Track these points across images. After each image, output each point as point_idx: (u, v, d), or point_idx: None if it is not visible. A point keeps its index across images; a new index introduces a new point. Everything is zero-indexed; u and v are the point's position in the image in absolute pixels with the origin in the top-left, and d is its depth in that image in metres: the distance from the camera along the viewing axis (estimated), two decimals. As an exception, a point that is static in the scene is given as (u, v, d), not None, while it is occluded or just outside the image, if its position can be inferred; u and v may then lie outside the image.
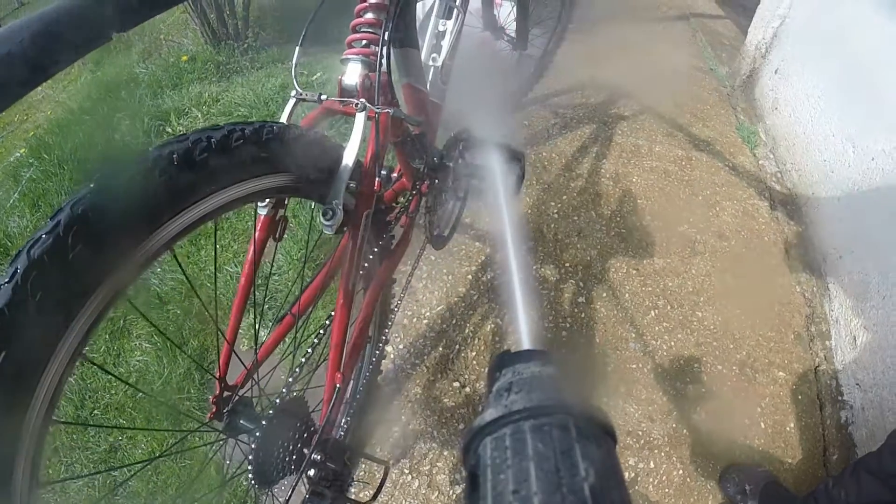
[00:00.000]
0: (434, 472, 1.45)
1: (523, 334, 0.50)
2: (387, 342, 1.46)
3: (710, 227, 1.98)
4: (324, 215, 0.83)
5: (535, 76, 2.43)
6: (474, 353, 1.66)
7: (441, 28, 1.39)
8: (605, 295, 1.79)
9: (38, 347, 0.51)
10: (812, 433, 1.50)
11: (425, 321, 1.73)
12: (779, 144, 2.22)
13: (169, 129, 2.12)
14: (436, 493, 1.42)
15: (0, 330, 0.47)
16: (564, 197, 2.12)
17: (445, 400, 1.57)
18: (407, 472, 1.45)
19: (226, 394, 0.97)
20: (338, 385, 0.92)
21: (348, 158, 0.85)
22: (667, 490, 1.40)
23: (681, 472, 1.42)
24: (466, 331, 1.72)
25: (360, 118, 0.88)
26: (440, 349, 1.67)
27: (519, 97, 2.39)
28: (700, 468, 1.43)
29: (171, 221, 0.61)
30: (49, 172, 1.94)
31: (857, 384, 1.48)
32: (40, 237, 0.50)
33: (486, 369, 1.59)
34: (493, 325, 1.71)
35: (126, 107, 2.18)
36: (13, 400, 0.50)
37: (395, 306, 1.39)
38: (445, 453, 1.47)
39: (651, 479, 1.42)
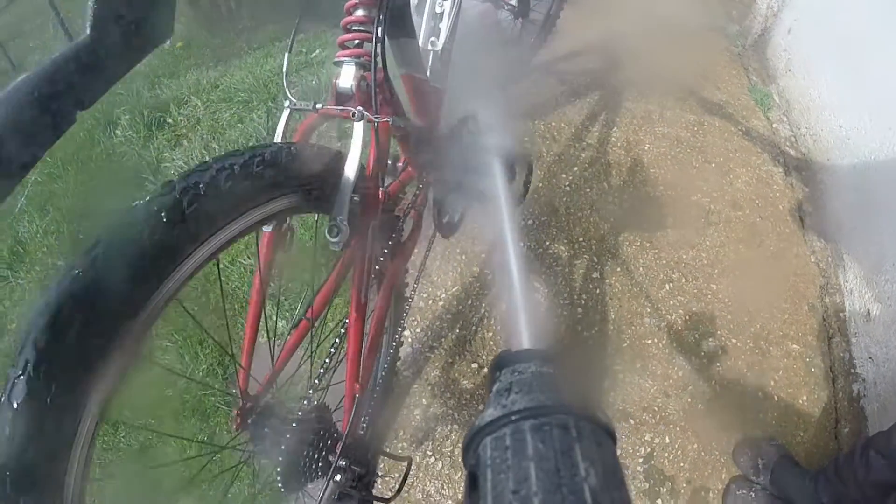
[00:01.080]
0: (456, 453, 1.49)
1: (523, 333, 0.50)
2: (403, 330, 1.47)
3: (724, 195, 1.96)
4: (329, 233, 0.82)
5: (538, 43, 2.35)
6: (491, 334, 1.68)
7: (438, 9, 1.33)
8: (619, 269, 1.79)
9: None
10: (825, 406, 1.52)
11: (441, 303, 1.74)
12: (793, 108, 2.15)
13: (170, 120, 2.10)
14: (459, 474, 1.46)
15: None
16: (576, 168, 2.08)
17: (464, 382, 1.60)
18: (430, 453, 1.49)
19: (248, 404, 1.00)
20: (357, 395, 0.93)
21: (349, 171, 0.83)
22: (682, 464, 1.44)
23: (696, 446, 1.46)
24: (482, 311, 1.73)
25: (358, 128, 0.86)
26: (457, 331, 1.69)
27: (523, 66, 2.32)
28: (715, 442, 1.46)
29: (171, 277, 0.60)
30: (53, 175, 1.94)
31: (871, 358, 1.49)
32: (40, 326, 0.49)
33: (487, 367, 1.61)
34: (504, 302, 1.73)
35: (124, 100, 2.15)
36: None
37: (411, 294, 1.40)
38: (463, 436, 1.50)
39: (666, 454, 1.46)
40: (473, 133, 1.46)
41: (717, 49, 2.56)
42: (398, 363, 1.55)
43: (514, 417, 0.35)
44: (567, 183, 2.03)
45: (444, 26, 1.32)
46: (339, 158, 0.85)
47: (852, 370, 1.55)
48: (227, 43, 2.43)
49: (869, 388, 1.49)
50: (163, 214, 0.56)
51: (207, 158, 0.65)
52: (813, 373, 1.58)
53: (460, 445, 1.50)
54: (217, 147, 1.97)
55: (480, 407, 1.56)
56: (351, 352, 0.92)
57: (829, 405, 1.53)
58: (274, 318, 1.54)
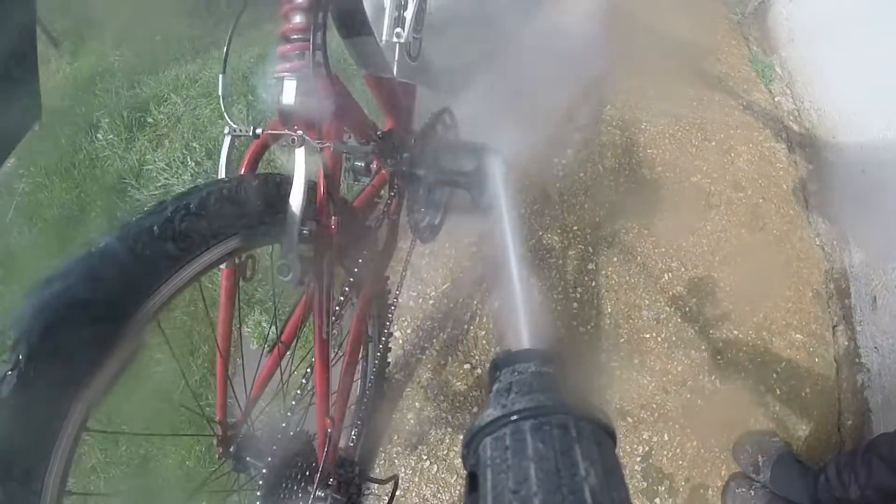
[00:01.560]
0: (451, 456, 1.48)
1: (523, 333, 0.49)
2: (390, 337, 1.44)
3: (725, 175, 1.87)
4: (280, 272, 0.78)
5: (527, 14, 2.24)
6: (483, 332, 1.65)
7: None
8: (615, 259, 1.74)
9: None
10: (828, 397, 1.48)
11: (431, 301, 1.71)
12: (795, 80, 2.04)
13: (150, 120, 2.05)
14: (454, 477, 1.45)
15: None
16: (569, 151, 2.01)
17: (457, 383, 1.58)
18: (425, 457, 1.48)
19: (229, 433, 0.99)
20: (329, 430, 0.91)
21: (294, 203, 0.78)
22: (681, 462, 1.42)
23: (695, 443, 1.43)
24: (474, 308, 1.69)
25: (299, 155, 0.80)
26: (448, 330, 1.66)
27: (510, 40, 2.22)
28: (714, 439, 1.43)
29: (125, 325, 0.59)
30: (40, 184, 1.91)
31: (876, 348, 1.43)
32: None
33: (487, 367, 1.58)
34: (500, 302, 1.69)
35: (104, 102, 2.10)
36: None
37: (393, 301, 1.36)
38: (461, 437, 1.49)
39: (665, 452, 1.43)
40: (451, 127, 1.39)
41: (715, 17, 2.42)
42: (389, 367, 1.53)
43: (513, 417, 0.35)
44: (560, 167, 1.95)
45: (409, 14, 1.23)
46: (287, 185, 0.80)
47: (857, 360, 1.50)
48: (204, 33, 2.34)
49: (873, 378, 1.44)
50: (74, 306, 0.54)
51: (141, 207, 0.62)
52: (816, 363, 1.53)
53: (456, 449, 1.49)
54: (198, 147, 1.92)
55: (475, 409, 1.54)
56: (318, 389, 0.89)
57: (833, 396, 1.49)
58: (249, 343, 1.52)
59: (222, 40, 2.36)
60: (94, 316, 0.58)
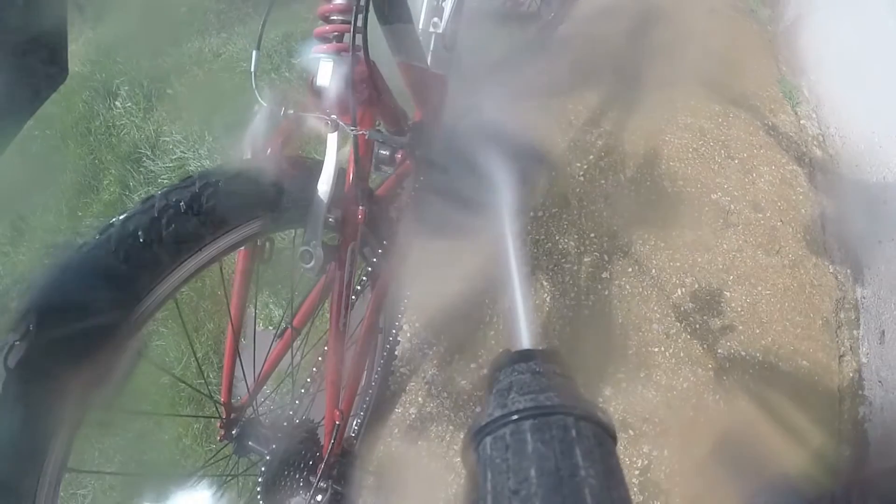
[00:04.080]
0: (451, 454, 1.48)
1: (523, 333, 0.49)
2: (400, 329, 1.43)
3: (746, 195, 1.86)
4: (302, 259, 0.77)
5: (559, 18, 2.23)
6: (492, 332, 1.64)
7: None
8: (630, 270, 1.72)
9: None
10: (828, 427, 1.47)
11: (442, 297, 1.70)
12: (823, 104, 2.02)
13: (170, 91, 2.03)
14: (452, 476, 1.45)
15: None
16: (591, 157, 1.99)
17: (462, 381, 1.57)
18: (424, 454, 1.48)
19: (232, 416, 0.98)
20: (337, 422, 0.90)
21: (322, 190, 0.77)
22: (678, 479, 1.41)
23: (694, 461, 1.42)
24: (484, 306, 1.69)
25: (331, 140, 0.79)
26: (457, 327, 1.65)
27: (540, 42, 2.20)
28: (714, 459, 1.42)
29: (141, 304, 0.58)
30: (55, 147, 1.89)
31: (880, 381, 1.43)
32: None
33: (487, 367, 1.57)
34: (505, 302, 1.68)
35: (124, 70, 2.07)
36: None
37: (406, 294, 1.35)
38: (462, 436, 1.48)
39: (664, 467, 1.43)
40: (480, 127, 1.37)
41: (746, 33, 2.40)
42: (395, 361, 1.52)
43: (514, 417, 0.34)
44: (581, 172, 1.94)
45: (448, 5, 1.22)
46: (315, 170, 0.79)
47: (860, 392, 1.50)
48: (231, 8, 2.32)
49: (875, 412, 1.44)
50: (101, 272, 0.53)
51: (152, 192, 0.61)
52: (820, 392, 1.52)
53: (456, 447, 1.49)
54: (217, 121, 1.90)
55: (478, 408, 1.53)
56: (329, 379, 0.88)
57: (833, 426, 1.48)
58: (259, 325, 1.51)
59: (248, 15, 2.33)
60: (112, 288, 0.57)
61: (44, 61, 0.46)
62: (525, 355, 0.42)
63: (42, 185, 1.84)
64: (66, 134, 1.93)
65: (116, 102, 2.02)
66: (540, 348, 0.44)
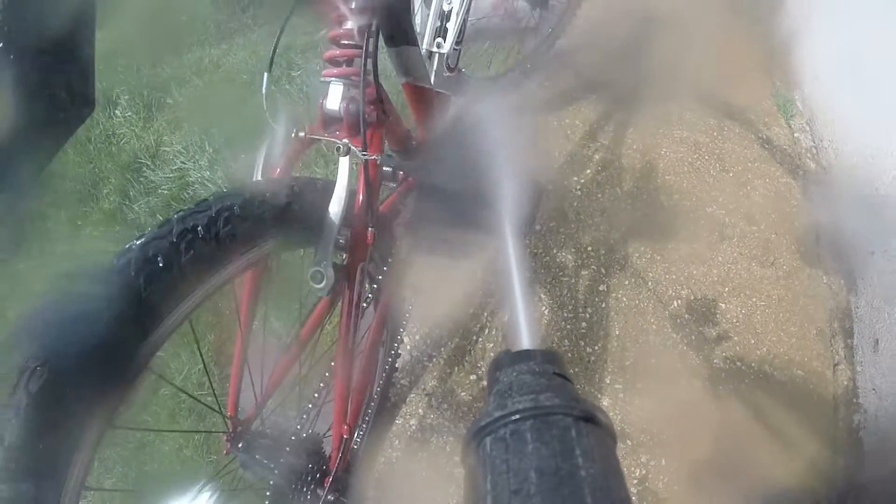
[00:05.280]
0: (451, 465, 1.49)
1: (523, 334, 0.48)
2: (401, 342, 1.45)
3: (740, 208, 1.89)
4: (312, 279, 0.78)
5: (557, 32, 2.25)
6: (492, 345, 1.66)
7: (446, 7, 1.24)
8: (627, 283, 1.75)
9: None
10: (824, 435, 1.50)
11: (441, 309, 1.71)
12: (816, 118, 2.06)
13: (170, 101, 2.03)
14: (453, 487, 1.46)
15: None
16: (588, 171, 2.02)
17: (462, 393, 1.58)
18: (425, 464, 1.49)
19: (238, 429, 0.98)
20: (345, 436, 0.91)
21: (334, 211, 0.78)
22: (676, 488, 1.43)
23: (691, 471, 1.44)
24: (483, 319, 1.70)
25: (343, 164, 0.81)
26: (457, 340, 1.66)
27: (538, 58, 2.22)
28: (711, 469, 1.44)
29: (146, 342, 0.60)
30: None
31: (874, 389, 1.46)
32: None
33: (486, 368, 1.59)
34: (504, 303, 1.69)
35: (124, 80, 2.08)
36: None
37: (409, 309, 1.36)
38: (462, 436, 1.49)
39: (661, 477, 1.45)
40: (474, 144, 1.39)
41: (741, 47, 2.43)
42: (396, 373, 1.53)
43: (514, 417, 0.34)
44: (578, 186, 1.96)
45: (452, 26, 1.24)
46: (326, 191, 0.80)
47: (855, 400, 1.53)
48: (232, 18, 2.33)
49: (870, 420, 1.47)
50: (116, 302, 0.54)
51: (170, 216, 0.63)
52: (815, 401, 1.55)
53: (456, 458, 1.50)
54: (217, 133, 1.91)
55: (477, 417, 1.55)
56: (338, 394, 0.89)
57: (829, 435, 1.51)
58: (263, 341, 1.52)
59: (247, 26, 2.34)
60: (133, 311, 0.58)
61: (72, 94, 0.47)
62: (525, 356, 0.42)
63: (40, 194, 1.83)
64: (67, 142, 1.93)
65: (116, 111, 2.02)
66: (540, 349, 0.44)
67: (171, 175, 1.87)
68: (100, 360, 0.54)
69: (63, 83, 0.46)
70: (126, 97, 2.02)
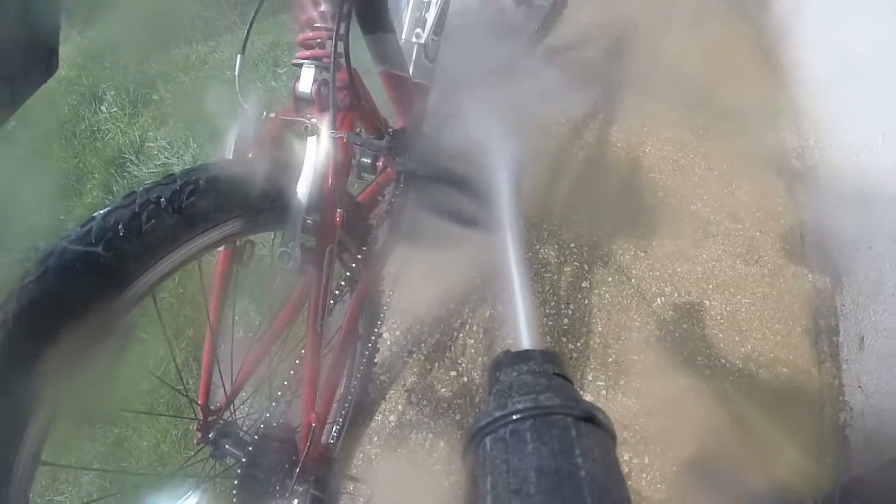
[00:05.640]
0: (431, 462, 1.47)
1: (523, 334, 0.49)
2: (379, 337, 1.43)
3: (725, 206, 1.89)
4: (280, 259, 0.78)
5: (543, 30, 2.25)
6: (472, 341, 1.64)
7: None
8: (610, 280, 1.74)
9: None
10: (809, 434, 1.48)
11: (422, 305, 1.70)
12: (802, 117, 2.06)
13: (156, 97, 2.03)
14: (432, 483, 1.44)
15: None
16: (573, 168, 2.02)
17: (442, 389, 1.57)
18: (404, 461, 1.47)
19: (209, 419, 0.97)
20: (313, 425, 0.90)
21: (301, 192, 0.78)
22: (659, 486, 1.41)
23: (674, 468, 1.42)
24: (465, 316, 1.69)
25: (311, 144, 0.80)
26: (437, 336, 1.65)
27: (523, 56, 2.23)
28: (694, 466, 1.43)
29: (119, 296, 0.59)
30: (38, 150, 1.88)
31: (860, 387, 1.44)
32: None
33: (486, 368, 1.58)
34: (491, 311, 1.68)
35: (111, 75, 2.08)
36: None
37: (387, 301, 1.34)
38: (442, 444, 1.48)
39: (644, 475, 1.43)
40: (460, 136, 1.39)
41: (728, 47, 2.44)
42: (375, 368, 1.51)
43: (513, 417, 0.35)
44: (561, 183, 1.96)
45: (431, 16, 1.23)
46: (295, 173, 0.80)
47: (841, 398, 1.51)
48: (219, 16, 2.33)
49: (856, 417, 1.45)
50: (77, 264, 0.53)
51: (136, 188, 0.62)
52: (800, 398, 1.54)
53: (436, 454, 1.48)
54: (201, 129, 1.90)
55: (458, 416, 1.53)
56: (307, 381, 0.88)
57: (815, 433, 1.50)
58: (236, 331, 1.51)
59: (235, 24, 2.35)
60: (91, 276, 0.57)
61: (36, 50, 0.46)
62: (525, 356, 0.42)
63: (24, 188, 1.82)
64: (51, 137, 1.93)
65: (102, 107, 2.02)
66: (539, 349, 0.44)
67: (154, 170, 1.86)
68: (55, 322, 0.54)
69: (26, 35, 0.45)
70: (112, 93, 2.02)
